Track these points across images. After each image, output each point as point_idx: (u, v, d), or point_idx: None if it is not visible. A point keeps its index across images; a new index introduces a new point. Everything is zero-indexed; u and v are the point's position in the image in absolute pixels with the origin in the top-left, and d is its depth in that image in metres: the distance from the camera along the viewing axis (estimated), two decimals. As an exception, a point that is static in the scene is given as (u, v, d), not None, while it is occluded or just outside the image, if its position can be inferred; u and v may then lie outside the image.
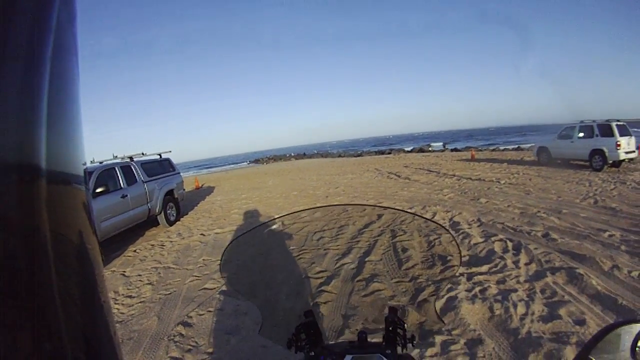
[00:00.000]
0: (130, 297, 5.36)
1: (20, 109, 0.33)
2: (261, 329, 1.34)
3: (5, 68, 0.32)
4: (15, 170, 0.32)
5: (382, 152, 38.38)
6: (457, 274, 4.52)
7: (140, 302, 5.07)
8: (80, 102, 0.42)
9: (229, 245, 1.32)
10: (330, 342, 1.17)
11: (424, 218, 1.52)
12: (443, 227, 1.44)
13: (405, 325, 1.12)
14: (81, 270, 0.39)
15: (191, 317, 4.33)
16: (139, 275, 6.25)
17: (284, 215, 1.43)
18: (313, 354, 1.07)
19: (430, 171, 16.09)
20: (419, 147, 40.67)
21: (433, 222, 1.50)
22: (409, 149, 41.50)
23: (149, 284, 5.76)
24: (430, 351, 3.12)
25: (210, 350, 3.58)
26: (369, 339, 1.10)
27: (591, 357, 0.86)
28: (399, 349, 1.10)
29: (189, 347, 3.67)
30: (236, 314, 4.24)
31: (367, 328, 1.16)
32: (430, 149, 39.45)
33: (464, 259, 5.43)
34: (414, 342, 1.10)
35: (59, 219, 0.35)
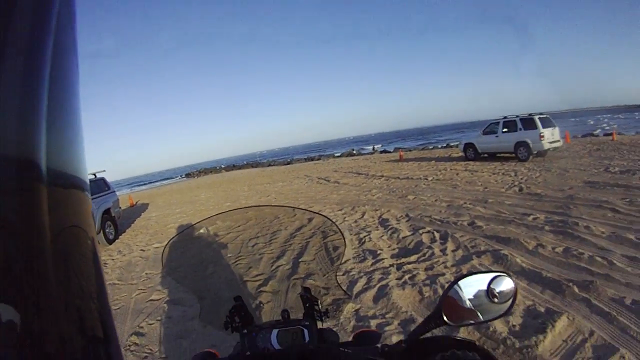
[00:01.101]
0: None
1: (20, 109, 0.33)
2: (200, 316, 1.56)
3: (5, 68, 0.32)
4: (15, 170, 0.32)
5: (312, 159, 38.60)
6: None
7: None
8: (80, 102, 0.42)
9: (166, 245, 1.54)
10: (258, 323, 1.30)
11: (302, 209, 1.78)
12: (320, 214, 1.68)
13: (319, 301, 1.29)
14: (81, 271, 0.39)
15: (142, 327, 4.56)
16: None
17: (218, 214, 1.60)
18: (246, 331, 1.21)
19: (359, 174, 16.67)
20: (347, 152, 41.49)
21: (310, 211, 1.72)
22: (338, 154, 41.97)
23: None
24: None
25: (164, 355, 3.85)
26: (291, 317, 1.27)
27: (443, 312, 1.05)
28: (318, 324, 1.26)
29: (145, 354, 3.94)
30: (184, 319, 4.50)
31: (290, 309, 1.31)
32: (359, 152, 40.28)
33: (393, 252, 5.95)
34: (328, 315, 1.28)
35: (59, 218, 0.36)
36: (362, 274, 5.11)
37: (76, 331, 0.37)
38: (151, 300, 5.41)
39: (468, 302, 1.04)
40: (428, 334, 1.09)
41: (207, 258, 1.77)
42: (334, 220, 1.83)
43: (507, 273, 1.09)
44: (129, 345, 4.15)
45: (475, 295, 1.05)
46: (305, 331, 1.18)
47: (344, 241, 1.54)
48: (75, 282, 0.37)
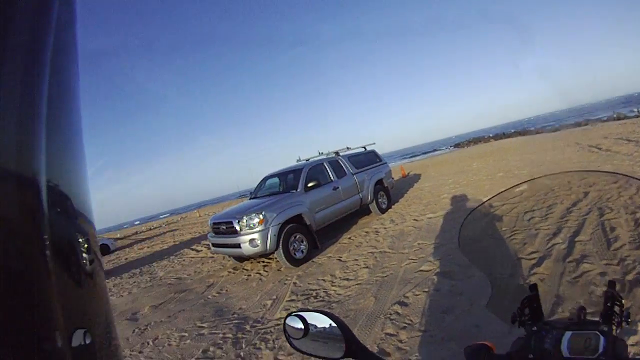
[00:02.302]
0: (347, 279, 5.82)
1: (20, 109, 0.33)
2: (489, 303, 1.39)
3: (5, 68, 0.32)
4: (15, 171, 0.33)
5: (578, 124, 33.76)
6: None
7: (357, 284, 5.45)
8: (80, 102, 0.43)
9: (464, 220, 1.46)
10: (549, 319, 1.17)
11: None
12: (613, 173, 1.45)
13: (623, 301, 1.08)
14: (81, 271, 0.40)
15: (407, 297, 4.47)
16: (356, 260, 6.70)
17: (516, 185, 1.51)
18: (535, 328, 1.08)
19: (630, 140, 13.48)
20: (616, 115, 34.58)
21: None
22: (604, 117, 36.39)
23: (366, 267, 6.14)
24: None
25: (423, 328, 3.65)
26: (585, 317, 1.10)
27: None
28: (614, 330, 1.05)
29: (404, 324, 3.82)
30: (451, 294, 4.22)
31: (584, 306, 1.12)
32: (625, 116, 32.75)
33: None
34: (629, 320, 1.05)
35: (58, 219, 0.36)
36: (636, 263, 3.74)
37: (76, 329, 0.36)
38: (420, 270, 5.26)
39: None
40: None
41: (498, 236, 1.64)
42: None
43: None
44: (390, 314, 4.11)
45: None
46: (602, 339, 0.95)
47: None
48: (75, 281, 0.38)
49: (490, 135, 52.64)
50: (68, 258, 0.37)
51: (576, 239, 1.88)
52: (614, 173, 1.50)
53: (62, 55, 0.38)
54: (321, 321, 1.12)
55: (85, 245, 0.40)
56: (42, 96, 0.35)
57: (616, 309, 1.06)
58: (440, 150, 56.47)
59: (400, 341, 3.55)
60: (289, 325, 1.14)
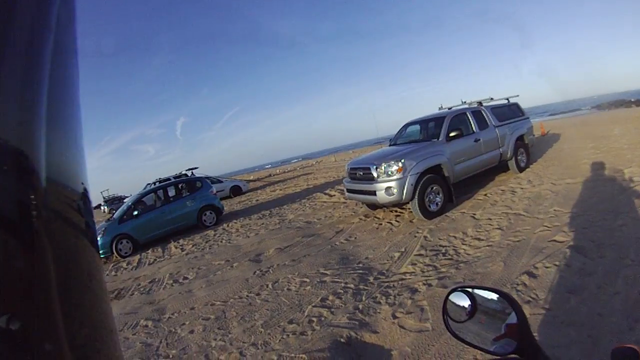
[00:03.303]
0: (478, 239, 5.87)
1: (20, 109, 0.34)
2: None
3: (5, 68, 0.33)
4: (15, 170, 0.33)
5: None
6: None
7: (488, 246, 5.49)
8: (79, 101, 0.43)
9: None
10: None
11: None
12: None
13: None
14: (81, 269, 0.40)
15: (537, 268, 4.44)
16: (489, 219, 6.69)
17: None
18: None
19: None
20: None
21: None
22: None
23: (499, 228, 6.12)
24: None
25: (548, 306, 3.65)
26: None
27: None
28: None
29: (529, 298, 3.84)
30: (582, 273, 4.11)
31: None
32: None
33: None
34: None
35: (58, 218, 0.37)
36: None
37: (76, 329, 0.37)
38: (554, 240, 5.13)
39: None
40: None
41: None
42: None
43: None
44: (517, 284, 4.14)
45: None
46: None
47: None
48: (75, 280, 0.38)
49: (632, 100, 45.33)
50: (67, 258, 0.38)
51: None
52: None
53: (62, 55, 0.39)
54: (493, 303, 0.97)
55: (85, 244, 0.41)
56: (42, 96, 0.36)
57: None
58: (580, 110, 50.39)
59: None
60: (452, 302, 1.01)
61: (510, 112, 10.49)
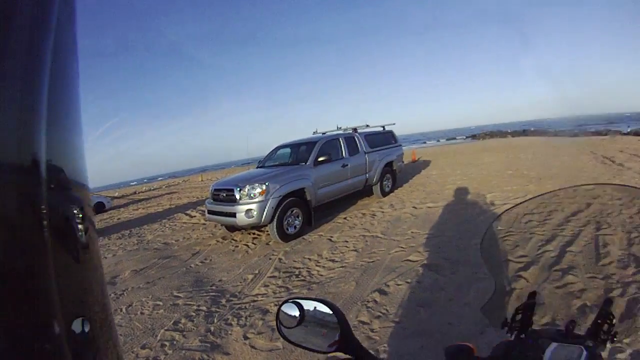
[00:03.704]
0: (332, 261, 5.79)
1: (20, 109, 0.34)
2: (485, 306, 1.41)
3: (6, 68, 0.33)
4: (15, 170, 0.33)
5: (599, 133, 32.76)
6: None
7: (342, 267, 5.43)
8: (80, 101, 0.44)
9: (492, 222, 1.53)
10: (536, 328, 1.19)
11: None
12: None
13: (614, 321, 1.11)
14: (82, 269, 0.41)
15: (388, 285, 4.44)
16: (345, 241, 6.68)
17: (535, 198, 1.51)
18: (523, 336, 1.12)
19: None
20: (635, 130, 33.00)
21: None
22: (626, 130, 34.38)
23: (354, 250, 6.12)
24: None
25: (397, 319, 3.62)
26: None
27: None
28: (598, 346, 1.08)
29: (379, 314, 3.79)
30: (433, 288, 4.18)
31: (575, 320, 1.13)
32: None
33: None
34: (614, 339, 1.09)
35: (59, 218, 0.37)
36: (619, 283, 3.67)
37: (75, 328, 0.38)
38: (407, 260, 5.23)
39: None
40: None
41: (512, 243, 1.70)
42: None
43: None
44: (368, 302, 4.08)
45: None
46: (585, 354, 0.97)
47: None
48: (75, 280, 0.39)
49: (509, 131, 52.81)
50: (67, 251, 0.38)
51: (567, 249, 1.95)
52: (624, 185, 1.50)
53: (62, 55, 0.39)
54: (319, 310, 1.07)
55: (86, 243, 0.42)
56: (42, 95, 0.36)
57: (605, 327, 1.10)
58: (456, 139, 56.58)
59: (372, 330, 3.53)
60: (284, 312, 1.09)
61: (383, 139, 10.91)
